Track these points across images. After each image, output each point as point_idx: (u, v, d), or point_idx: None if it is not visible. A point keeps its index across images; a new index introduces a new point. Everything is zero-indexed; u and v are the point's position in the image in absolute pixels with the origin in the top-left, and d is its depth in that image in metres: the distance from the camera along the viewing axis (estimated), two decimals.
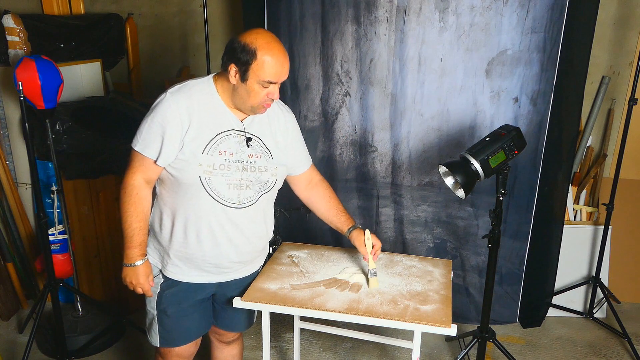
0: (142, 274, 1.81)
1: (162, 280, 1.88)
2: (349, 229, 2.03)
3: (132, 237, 1.77)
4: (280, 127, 1.90)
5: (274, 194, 1.92)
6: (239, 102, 1.75)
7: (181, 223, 1.80)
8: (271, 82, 1.70)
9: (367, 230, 2.00)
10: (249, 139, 1.80)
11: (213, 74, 1.82)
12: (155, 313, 1.91)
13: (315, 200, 2.09)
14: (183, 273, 1.87)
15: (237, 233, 1.83)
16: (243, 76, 1.69)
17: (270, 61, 1.66)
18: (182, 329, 1.93)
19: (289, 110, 1.99)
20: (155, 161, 1.73)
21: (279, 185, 1.92)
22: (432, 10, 2.69)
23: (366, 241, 1.98)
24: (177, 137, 1.71)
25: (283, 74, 1.71)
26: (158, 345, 1.95)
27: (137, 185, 1.76)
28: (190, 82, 1.79)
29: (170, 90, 1.76)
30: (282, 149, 1.89)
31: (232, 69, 1.69)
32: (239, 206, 1.80)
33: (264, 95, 1.72)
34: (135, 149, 1.75)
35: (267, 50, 1.66)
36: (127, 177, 1.77)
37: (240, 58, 1.66)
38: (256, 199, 1.84)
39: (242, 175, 1.79)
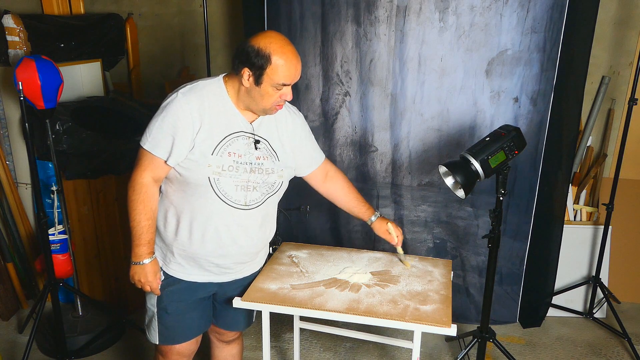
0: (151, 271, 1.82)
1: (163, 277, 1.89)
2: (370, 219, 2.12)
3: (140, 235, 1.78)
4: (287, 130, 1.91)
5: (279, 196, 1.93)
6: (252, 104, 1.76)
7: (186, 222, 1.80)
8: (285, 85, 1.72)
9: (389, 224, 2.12)
10: (257, 141, 1.81)
11: (223, 75, 1.83)
12: (156, 310, 1.91)
13: (333, 192, 2.13)
14: (185, 272, 1.88)
15: (241, 234, 1.84)
16: (257, 80, 1.70)
17: (285, 65, 1.68)
18: (181, 327, 1.94)
19: (298, 112, 2.00)
20: (166, 161, 1.74)
21: (285, 187, 1.93)
22: (432, 10, 2.69)
23: (391, 233, 2.12)
24: (188, 137, 1.72)
25: (296, 76, 1.74)
26: (157, 343, 1.95)
27: (146, 183, 1.76)
28: (201, 83, 1.79)
29: (181, 90, 1.76)
30: (288, 152, 1.90)
31: (246, 72, 1.70)
32: (246, 207, 1.81)
33: (277, 97, 1.74)
34: (145, 147, 1.75)
35: (281, 54, 1.67)
36: (136, 175, 1.77)
37: (254, 63, 1.67)
38: (262, 201, 1.85)
39: (249, 177, 1.79)
